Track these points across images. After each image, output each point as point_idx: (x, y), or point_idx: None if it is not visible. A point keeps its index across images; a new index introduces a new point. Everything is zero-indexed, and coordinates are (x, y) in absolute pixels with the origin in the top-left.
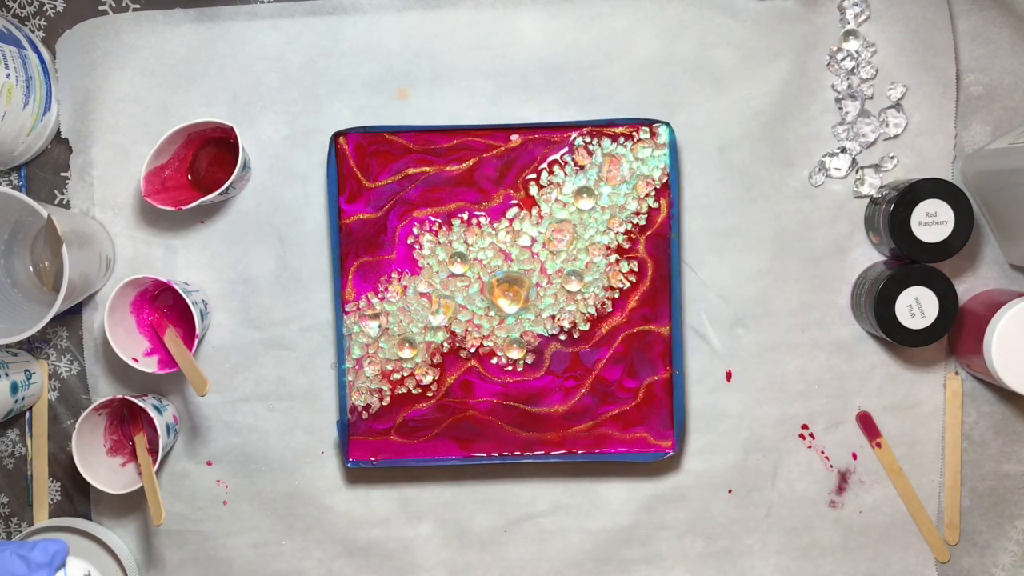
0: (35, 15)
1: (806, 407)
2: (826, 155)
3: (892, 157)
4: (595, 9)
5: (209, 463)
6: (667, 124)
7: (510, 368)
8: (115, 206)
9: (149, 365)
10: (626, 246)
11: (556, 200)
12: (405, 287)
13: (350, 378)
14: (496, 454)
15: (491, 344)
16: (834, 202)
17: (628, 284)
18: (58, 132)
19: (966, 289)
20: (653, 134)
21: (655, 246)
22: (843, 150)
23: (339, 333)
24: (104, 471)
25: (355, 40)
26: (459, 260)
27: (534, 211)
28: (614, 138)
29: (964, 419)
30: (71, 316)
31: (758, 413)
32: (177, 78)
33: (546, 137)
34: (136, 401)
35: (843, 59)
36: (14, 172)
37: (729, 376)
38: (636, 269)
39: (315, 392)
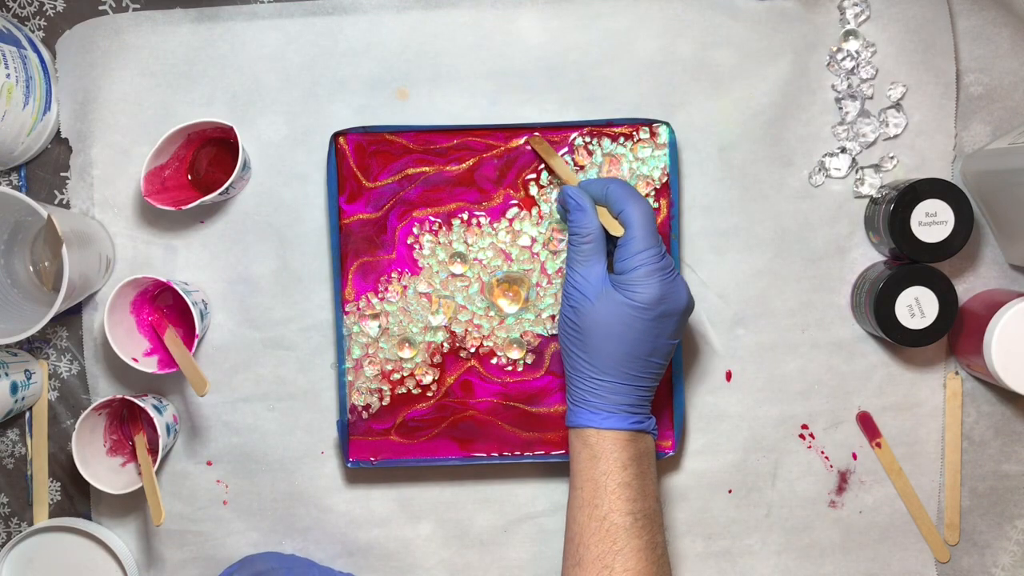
0: (35, 15)
1: (806, 407)
2: (826, 155)
3: (892, 157)
4: (595, 9)
5: (209, 463)
6: (667, 124)
7: (510, 368)
8: (115, 206)
9: (149, 365)
10: None
11: (556, 200)
12: (405, 287)
13: (350, 378)
14: (496, 454)
15: (491, 344)
16: (834, 202)
17: None
18: (58, 132)
19: (966, 289)
20: (653, 134)
21: None
22: (843, 150)
23: (339, 333)
24: (104, 471)
25: (355, 40)
26: (459, 260)
27: (534, 211)
28: (614, 138)
29: (964, 419)
30: (71, 316)
31: (758, 413)
32: (177, 78)
33: (546, 137)
34: (136, 401)
35: (843, 59)
36: (14, 172)
37: (729, 376)
38: None
39: (315, 392)
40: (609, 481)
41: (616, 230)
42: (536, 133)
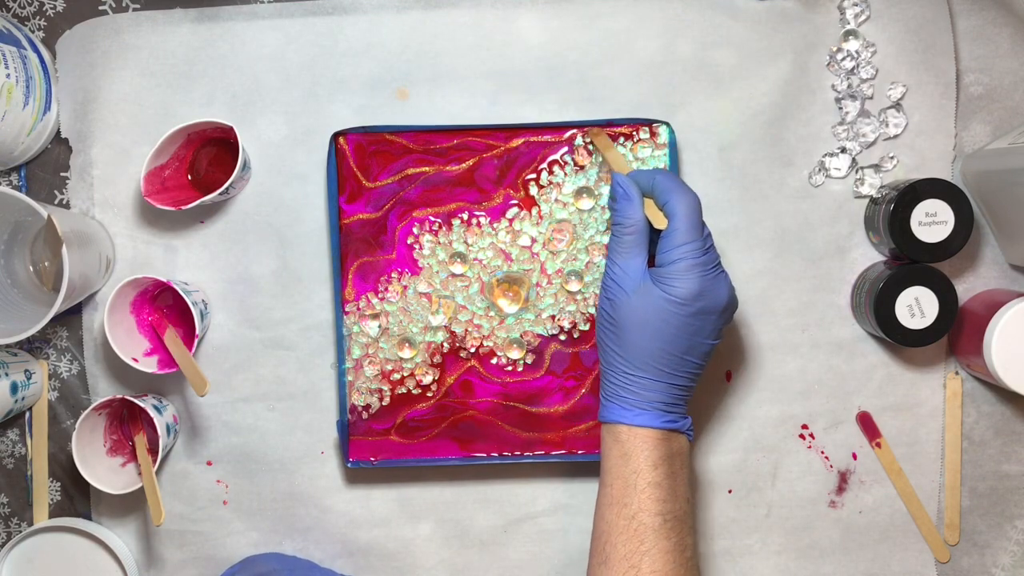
0: (35, 15)
1: (806, 407)
2: (826, 155)
3: (892, 157)
4: (595, 9)
5: (209, 463)
6: (667, 124)
7: (510, 368)
8: (115, 206)
9: (149, 365)
10: None
11: (556, 200)
12: (405, 287)
13: (350, 378)
14: (496, 454)
15: (491, 344)
16: (834, 202)
17: None
18: (58, 132)
19: (966, 289)
20: (653, 134)
21: None
22: (843, 150)
23: (339, 333)
24: (104, 471)
25: (355, 40)
26: (459, 260)
27: (534, 211)
28: (614, 138)
29: (964, 419)
30: (71, 316)
31: (758, 413)
32: (177, 78)
33: (546, 137)
34: (136, 401)
35: (843, 59)
36: (14, 172)
37: (729, 376)
38: None
39: (315, 392)
40: (639, 480)
41: (660, 223)
42: (589, 129)
